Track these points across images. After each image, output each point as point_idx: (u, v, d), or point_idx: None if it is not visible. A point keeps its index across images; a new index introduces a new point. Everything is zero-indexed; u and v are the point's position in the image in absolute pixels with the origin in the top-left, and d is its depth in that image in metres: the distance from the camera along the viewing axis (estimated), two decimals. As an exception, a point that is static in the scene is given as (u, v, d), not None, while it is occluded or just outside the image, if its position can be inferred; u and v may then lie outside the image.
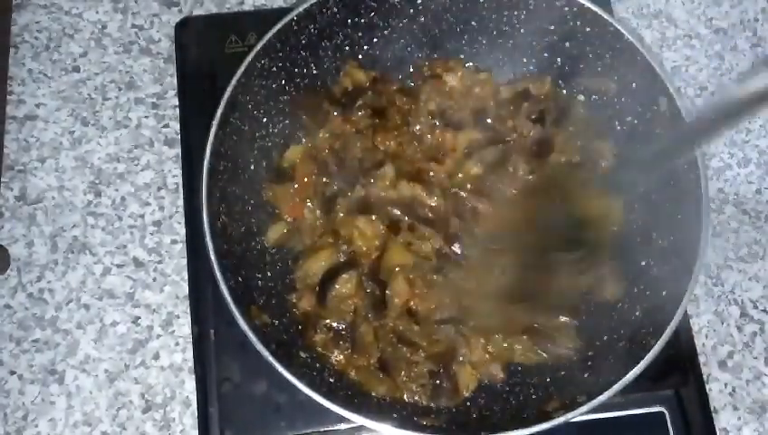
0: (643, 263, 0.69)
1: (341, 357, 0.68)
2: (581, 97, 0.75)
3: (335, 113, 0.74)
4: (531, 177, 0.72)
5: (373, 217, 0.70)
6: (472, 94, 0.77)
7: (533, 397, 0.66)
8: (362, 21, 0.73)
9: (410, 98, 0.76)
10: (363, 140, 0.74)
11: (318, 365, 0.66)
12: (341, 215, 0.71)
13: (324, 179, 0.73)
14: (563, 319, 0.69)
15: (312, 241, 0.71)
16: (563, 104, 0.75)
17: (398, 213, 0.71)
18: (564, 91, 0.76)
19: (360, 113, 0.74)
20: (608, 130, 0.73)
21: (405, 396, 0.67)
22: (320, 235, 0.71)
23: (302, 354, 0.67)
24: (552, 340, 0.68)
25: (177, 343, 0.73)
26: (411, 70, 0.78)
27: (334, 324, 0.68)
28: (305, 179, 0.73)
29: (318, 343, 0.68)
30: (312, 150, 0.74)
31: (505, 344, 0.69)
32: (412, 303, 0.69)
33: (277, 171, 0.73)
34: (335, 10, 0.71)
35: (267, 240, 0.71)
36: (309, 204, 0.72)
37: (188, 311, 0.72)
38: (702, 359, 0.74)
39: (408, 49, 0.77)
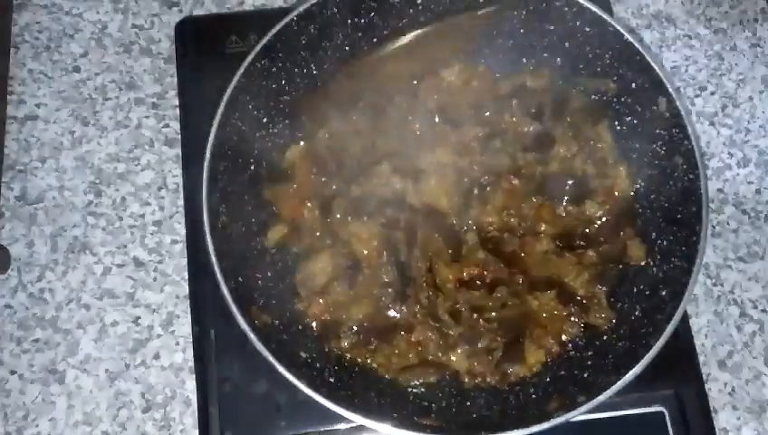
0: (642, 262, 0.69)
1: (379, 358, 0.68)
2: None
3: (335, 113, 0.74)
4: None
5: (365, 219, 0.70)
6: (470, 88, 0.77)
7: (533, 397, 0.66)
8: (362, 21, 0.73)
9: (409, 96, 0.76)
10: (362, 139, 0.74)
11: (318, 365, 0.66)
12: (338, 216, 0.71)
13: (323, 179, 0.73)
14: (597, 288, 0.69)
15: (310, 241, 0.72)
16: (560, 96, 0.75)
17: (392, 212, 0.71)
18: (561, 83, 0.76)
19: (360, 114, 0.74)
20: (604, 114, 0.74)
21: (464, 378, 0.67)
22: (319, 235, 0.72)
23: (302, 354, 0.67)
24: (587, 310, 0.69)
25: (177, 343, 0.73)
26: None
27: (354, 327, 0.68)
28: (305, 180, 0.73)
29: (347, 349, 0.68)
30: (312, 150, 0.74)
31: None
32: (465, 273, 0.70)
33: (277, 172, 0.73)
34: (335, 10, 0.71)
35: (268, 241, 0.71)
36: (308, 204, 0.72)
37: (189, 311, 0.73)
38: (701, 359, 0.74)
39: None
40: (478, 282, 0.70)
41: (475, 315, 0.68)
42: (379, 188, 0.72)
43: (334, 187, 0.72)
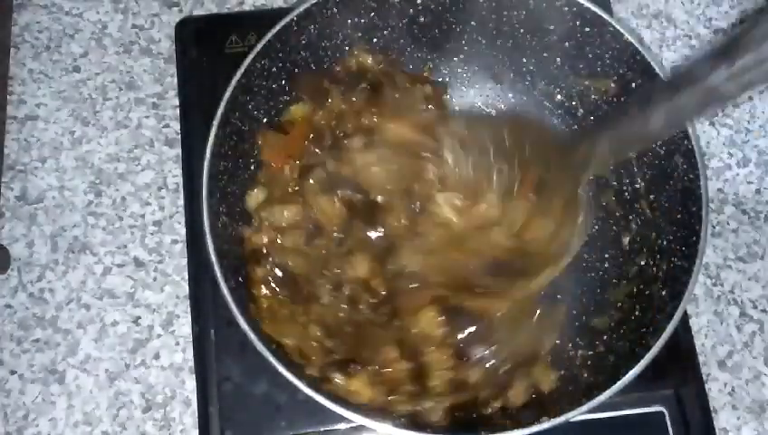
0: (642, 262, 0.69)
1: (271, 301, 0.67)
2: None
3: (336, 92, 0.74)
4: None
5: (335, 196, 0.70)
6: None
7: (533, 396, 0.66)
8: (362, 21, 0.73)
9: (411, 82, 0.76)
10: (355, 117, 0.73)
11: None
12: (311, 182, 0.70)
13: (314, 149, 0.72)
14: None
15: (282, 194, 0.71)
16: None
17: (358, 195, 0.70)
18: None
19: (359, 94, 0.73)
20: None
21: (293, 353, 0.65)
22: (291, 193, 0.71)
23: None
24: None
25: (177, 343, 0.73)
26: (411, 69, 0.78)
27: (276, 269, 0.67)
28: (298, 140, 0.72)
29: (257, 278, 0.67)
30: (315, 117, 0.73)
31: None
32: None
33: (276, 121, 0.73)
34: (335, 10, 0.71)
35: (248, 207, 0.70)
36: (292, 162, 0.72)
37: (189, 311, 0.73)
38: (701, 359, 0.74)
39: (408, 49, 0.77)
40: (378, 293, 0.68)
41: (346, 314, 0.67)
42: (360, 171, 0.71)
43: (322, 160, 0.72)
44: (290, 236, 0.69)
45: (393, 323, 0.68)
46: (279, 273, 0.67)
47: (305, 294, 0.68)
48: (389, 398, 0.64)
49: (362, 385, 0.64)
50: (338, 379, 0.64)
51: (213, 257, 0.62)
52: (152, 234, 0.77)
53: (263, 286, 0.67)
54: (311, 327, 0.66)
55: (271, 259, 0.68)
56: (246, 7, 0.87)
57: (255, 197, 0.71)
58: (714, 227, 0.80)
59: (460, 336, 0.66)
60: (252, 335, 0.60)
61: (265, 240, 0.69)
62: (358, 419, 0.58)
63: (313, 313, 0.67)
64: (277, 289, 0.67)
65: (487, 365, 0.66)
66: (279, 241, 0.69)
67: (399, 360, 0.65)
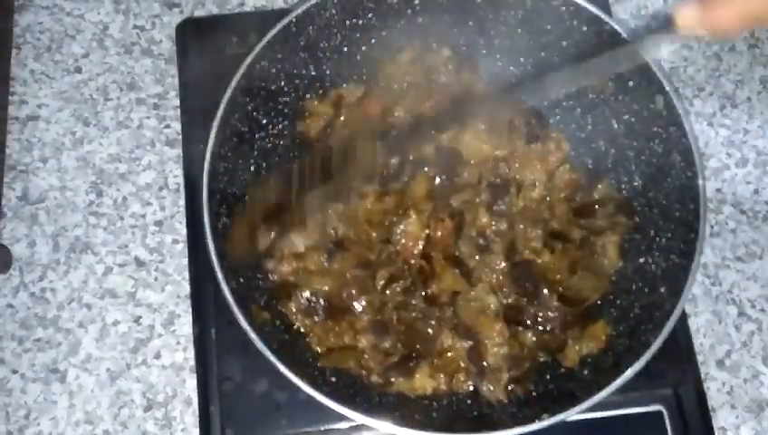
0: (641, 260, 0.69)
1: (317, 329, 0.68)
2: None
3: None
4: None
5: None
6: None
7: (533, 395, 0.67)
8: (360, 22, 0.74)
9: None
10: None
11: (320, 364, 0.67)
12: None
13: None
14: (506, 368, 0.67)
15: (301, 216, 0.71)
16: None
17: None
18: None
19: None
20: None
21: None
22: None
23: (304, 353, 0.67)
24: (482, 379, 0.67)
25: (178, 343, 0.73)
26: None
27: (309, 295, 0.68)
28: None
29: (293, 311, 0.68)
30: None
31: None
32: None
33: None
34: (333, 12, 0.71)
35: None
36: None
37: (190, 310, 0.73)
38: (700, 358, 0.74)
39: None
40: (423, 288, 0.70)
41: (394, 314, 0.69)
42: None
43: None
44: (311, 258, 0.70)
45: (444, 309, 0.69)
46: (312, 298, 0.68)
47: (342, 307, 0.69)
48: (452, 382, 0.67)
49: (424, 378, 0.67)
50: (400, 380, 0.66)
51: (214, 259, 0.62)
52: (153, 234, 0.77)
53: (301, 318, 0.69)
54: (362, 338, 0.68)
55: (299, 290, 0.69)
56: (247, 8, 0.87)
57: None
58: (712, 227, 0.81)
59: (510, 301, 0.69)
60: (253, 335, 0.60)
61: (289, 269, 0.69)
62: (359, 417, 0.59)
63: (358, 321, 0.68)
64: (315, 317, 0.68)
65: (539, 327, 0.68)
66: (302, 266, 0.70)
67: (456, 342, 0.67)
